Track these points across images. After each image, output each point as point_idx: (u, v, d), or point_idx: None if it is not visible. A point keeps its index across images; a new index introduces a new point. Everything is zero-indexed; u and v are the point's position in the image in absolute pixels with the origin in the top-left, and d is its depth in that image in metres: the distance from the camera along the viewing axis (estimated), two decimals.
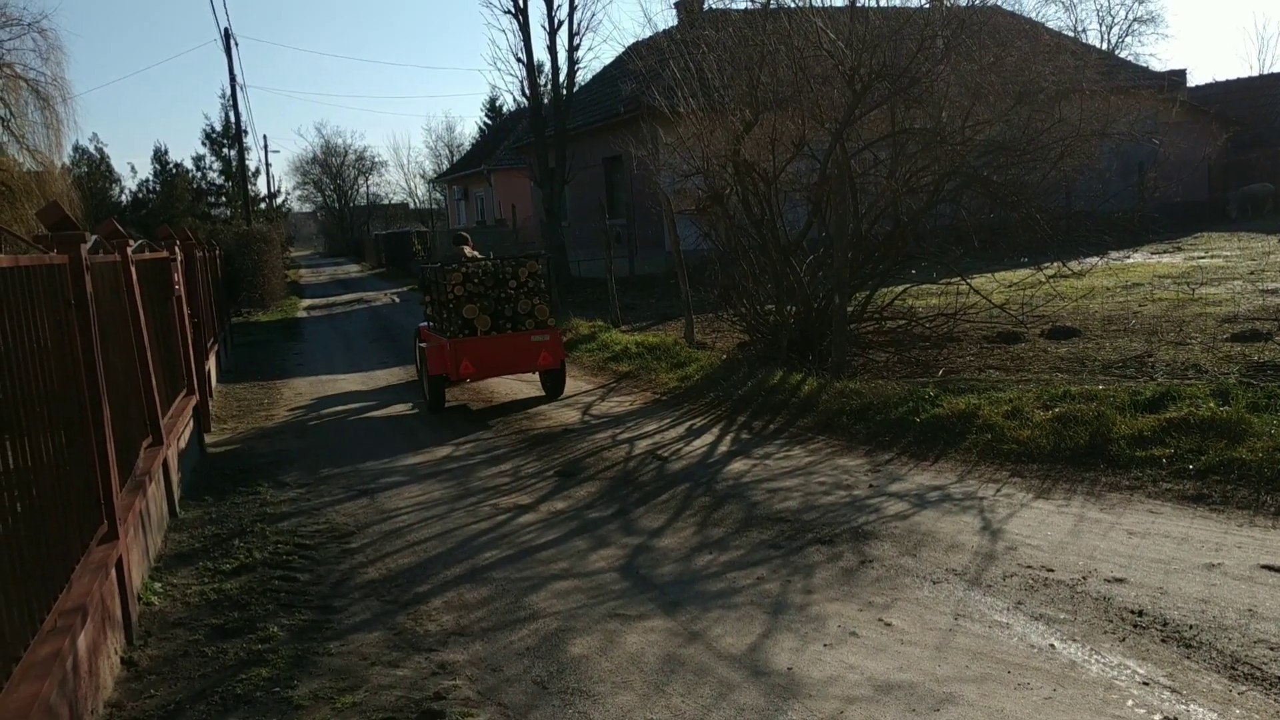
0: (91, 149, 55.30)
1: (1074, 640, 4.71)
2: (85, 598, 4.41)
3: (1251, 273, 16.89)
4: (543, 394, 12.85)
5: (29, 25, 27.35)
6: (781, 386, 10.86)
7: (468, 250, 13.38)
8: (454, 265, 12.12)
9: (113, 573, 5.23)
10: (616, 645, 5.07)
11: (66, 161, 38.77)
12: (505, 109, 64.26)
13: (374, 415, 12.57)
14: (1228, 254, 21.04)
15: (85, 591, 4.48)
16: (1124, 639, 4.67)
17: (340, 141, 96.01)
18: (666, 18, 37.56)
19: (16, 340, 4.09)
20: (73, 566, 4.61)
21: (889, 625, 5.06)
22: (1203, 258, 20.55)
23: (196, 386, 10.71)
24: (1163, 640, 4.62)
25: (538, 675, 4.78)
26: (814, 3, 12.65)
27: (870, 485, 7.59)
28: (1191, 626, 4.72)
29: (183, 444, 9.14)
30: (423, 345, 13.03)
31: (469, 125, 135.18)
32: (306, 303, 33.19)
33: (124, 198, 56.78)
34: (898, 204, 12.23)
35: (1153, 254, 21.77)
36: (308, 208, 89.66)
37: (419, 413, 12.48)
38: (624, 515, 7.37)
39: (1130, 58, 38.20)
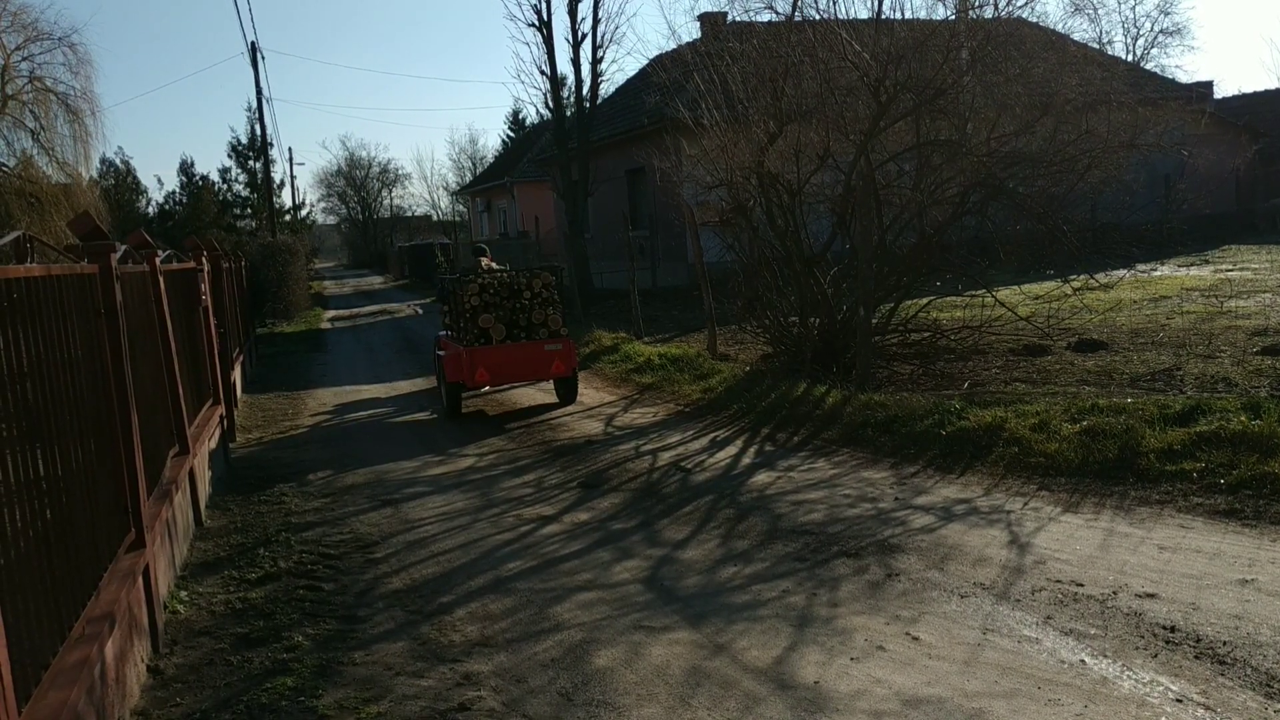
0: (118, 161, 55.99)
1: (1105, 656, 4.64)
2: (113, 605, 4.43)
3: None
4: (559, 401, 13.05)
5: (59, 40, 27.74)
6: (805, 399, 10.81)
7: (485, 262, 13.59)
8: (471, 277, 12.38)
9: (140, 581, 5.25)
10: (641, 657, 5.04)
11: (94, 174, 39.18)
12: (528, 121, 64.54)
13: (396, 424, 12.61)
14: (1256, 267, 20.83)
15: (113, 599, 4.49)
16: (1156, 655, 4.60)
17: (364, 154, 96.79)
18: (690, 30, 37.62)
19: (48, 349, 4.12)
20: (101, 574, 4.62)
21: (916, 639, 5.01)
22: (1231, 270, 20.35)
23: (222, 396, 10.77)
24: (1195, 657, 4.56)
25: (562, 687, 4.76)
26: (838, 15, 12.66)
27: (896, 498, 7.53)
28: (1225, 643, 4.65)
29: (209, 453, 9.19)
30: (441, 354, 13.24)
31: (492, 138, 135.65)
32: (330, 314, 33.37)
33: (150, 209, 57.48)
34: (923, 216, 12.18)
35: (1180, 266, 21.58)
36: (332, 220, 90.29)
37: (440, 421, 12.53)
38: (648, 527, 7.34)
39: (1156, 69, 38.11)
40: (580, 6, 26.03)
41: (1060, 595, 5.40)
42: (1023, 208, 11.66)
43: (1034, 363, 11.84)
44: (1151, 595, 5.27)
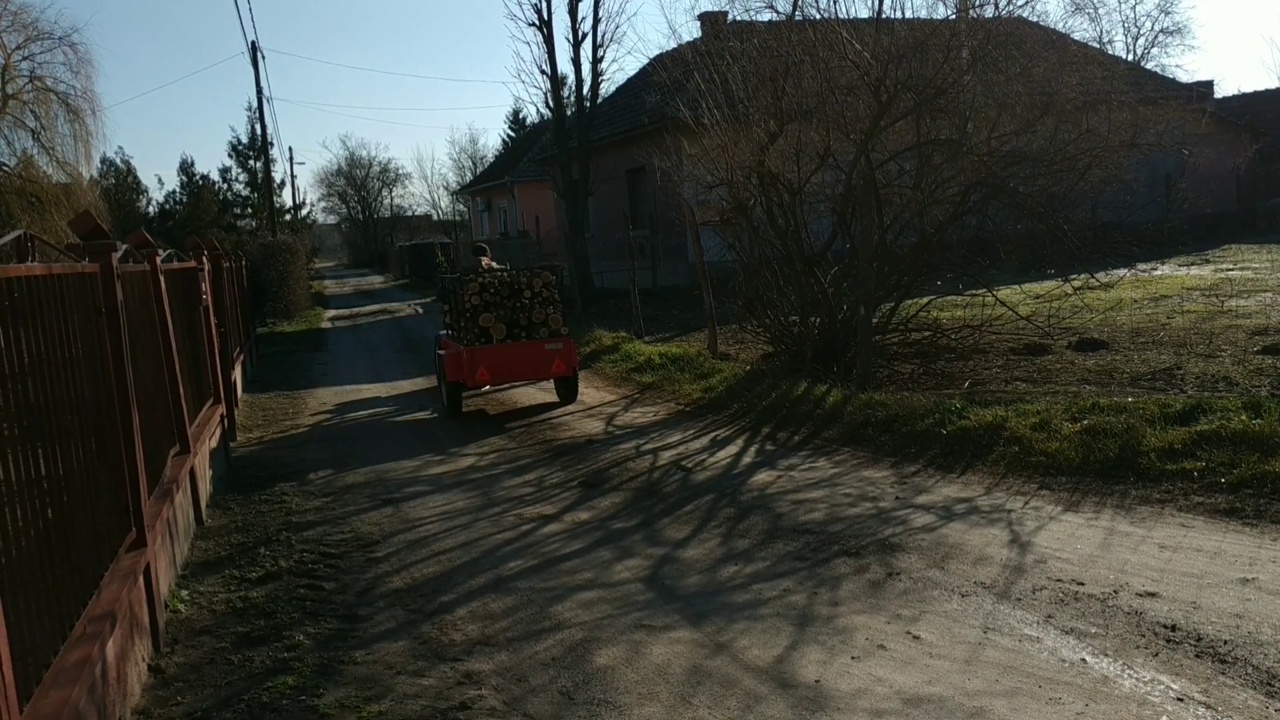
0: (118, 161, 56.06)
1: (1106, 655, 4.64)
2: (114, 604, 4.43)
3: None
4: (559, 400, 13.07)
5: (60, 39, 27.79)
6: (806, 398, 10.81)
7: (485, 261, 13.61)
8: (471, 276, 12.39)
9: (141, 580, 5.25)
10: (642, 656, 5.04)
11: (94, 173, 39.22)
12: (529, 121, 64.51)
13: (396, 423, 12.62)
14: (1257, 266, 20.83)
15: (114, 598, 4.49)
16: (1157, 654, 4.60)
17: (365, 154, 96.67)
18: (691, 29, 37.62)
19: (49, 347, 4.12)
20: (102, 573, 4.63)
21: (917, 638, 5.01)
22: (1231, 270, 20.35)
23: (223, 396, 10.77)
24: (1196, 655, 4.56)
25: (563, 686, 4.76)
26: (839, 15, 12.66)
27: (896, 497, 7.53)
28: (1226, 642, 4.65)
29: (209, 452, 9.19)
30: (441, 353, 13.24)
31: (492, 137, 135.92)
32: (331, 314, 33.37)
33: (151, 209, 57.59)
34: (923, 215, 12.18)
35: (1180, 266, 21.56)
36: (332, 219, 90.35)
37: (440, 420, 12.54)
38: (648, 526, 7.34)
39: (1157, 69, 38.13)
40: (580, 6, 26.06)
41: (1061, 594, 5.40)
42: (1023, 207, 11.66)
43: (1034, 362, 11.84)
44: (1152, 594, 5.27)
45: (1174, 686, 4.29)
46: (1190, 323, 13.37)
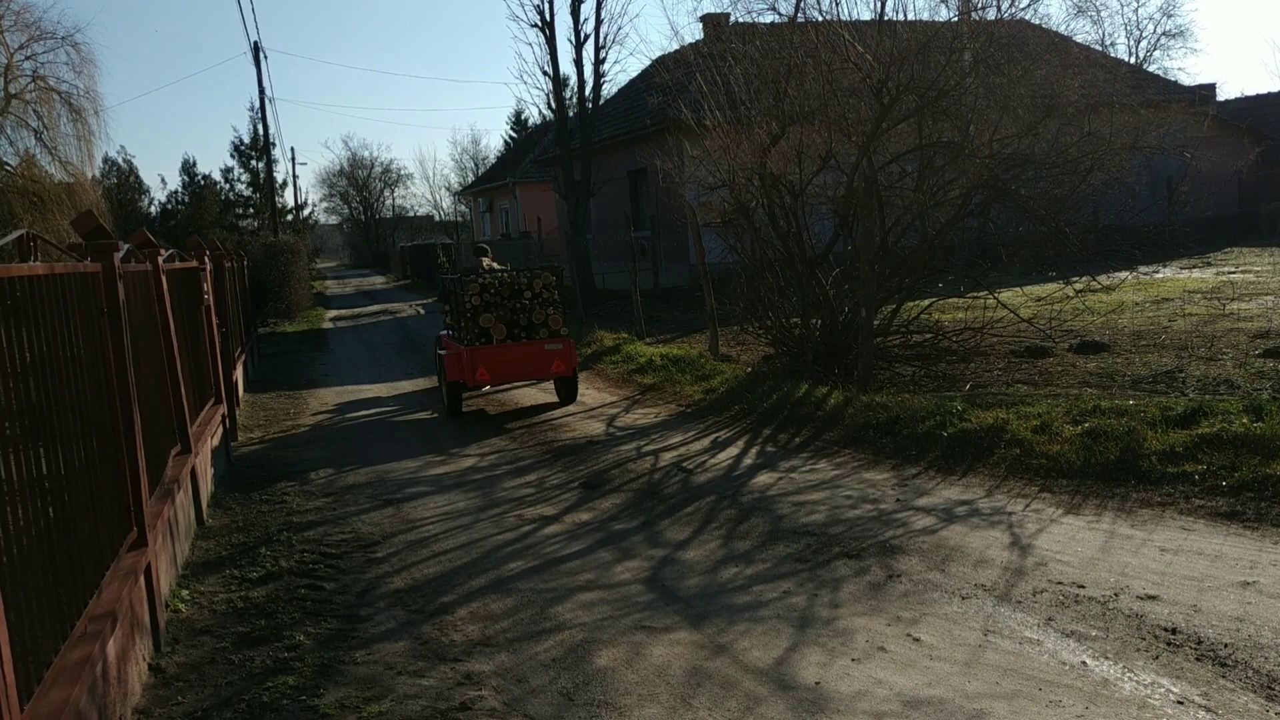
0: (120, 161, 56.00)
1: (1106, 658, 4.64)
2: (115, 604, 4.43)
3: None
4: (559, 401, 13.10)
5: (62, 39, 27.75)
6: (807, 399, 10.81)
7: (487, 261, 13.63)
8: (472, 276, 12.42)
9: (141, 579, 5.25)
10: (642, 657, 5.04)
11: (97, 173, 39.15)
12: (531, 122, 64.39)
13: (398, 423, 12.62)
14: (1259, 269, 20.83)
15: (115, 598, 4.50)
16: (1157, 657, 4.60)
17: (366, 154, 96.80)
18: (693, 31, 37.57)
19: (51, 347, 4.12)
20: (103, 573, 4.63)
21: (917, 640, 5.01)
22: (1233, 273, 20.34)
23: (224, 395, 10.78)
24: (1197, 659, 4.55)
25: (563, 687, 4.76)
26: (841, 16, 12.65)
27: (897, 499, 7.53)
28: (1226, 645, 4.64)
29: (210, 452, 9.20)
30: (442, 353, 13.27)
31: (494, 138, 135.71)
32: (332, 314, 33.38)
33: (153, 209, 57.53)
34: (925, 217, 12.18)
35: (1182, 269, 21.56)
36: (334, 219, 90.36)
37: (441, 420, 12.55)
38: (649, 527, 7.34)
39: (1159, 72, 38.11)
40: (583, 7, 26.07)
41: (1062, 597, 5.39)
42: (1025, 209, 11.66)
43: (1036, 364, 11.84)
44: (1153, 597, 5.27)
45: (1174, 689, 4.29)
46: (1192, 325, 13.36)
